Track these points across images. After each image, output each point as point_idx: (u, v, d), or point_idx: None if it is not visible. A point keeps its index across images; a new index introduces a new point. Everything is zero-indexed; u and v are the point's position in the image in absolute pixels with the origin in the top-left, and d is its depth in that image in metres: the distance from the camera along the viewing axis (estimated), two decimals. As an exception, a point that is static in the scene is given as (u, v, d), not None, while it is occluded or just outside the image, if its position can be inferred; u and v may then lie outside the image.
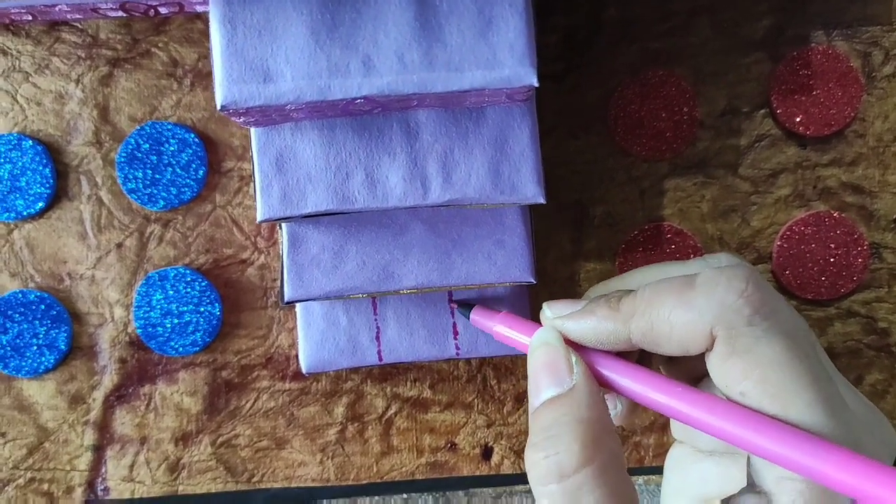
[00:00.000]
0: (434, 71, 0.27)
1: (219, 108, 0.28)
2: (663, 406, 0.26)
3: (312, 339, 0.37)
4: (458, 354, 0.37)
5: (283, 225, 0.34)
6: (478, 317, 0.34)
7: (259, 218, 0.31)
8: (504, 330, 0.31)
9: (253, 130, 0.31)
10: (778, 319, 0.25)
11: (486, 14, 0.28)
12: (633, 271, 0.31)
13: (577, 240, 0.40)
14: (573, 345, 0.28)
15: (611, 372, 0.28)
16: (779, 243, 0.39)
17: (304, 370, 0.38)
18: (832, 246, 0.39)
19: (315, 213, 0.31)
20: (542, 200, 0.31)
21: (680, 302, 0.26)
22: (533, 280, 0.34)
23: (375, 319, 0.37)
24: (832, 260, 0.39)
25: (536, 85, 0.28)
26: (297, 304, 0.37)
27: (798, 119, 0.39)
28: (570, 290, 0.40)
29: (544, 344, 0.28)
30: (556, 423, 0.26)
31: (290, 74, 0.27)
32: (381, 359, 0.37)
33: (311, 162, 0.31)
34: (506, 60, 0.28)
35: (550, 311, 0.29)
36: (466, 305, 0.35)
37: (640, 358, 0.30)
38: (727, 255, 0.29)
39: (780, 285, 0.40)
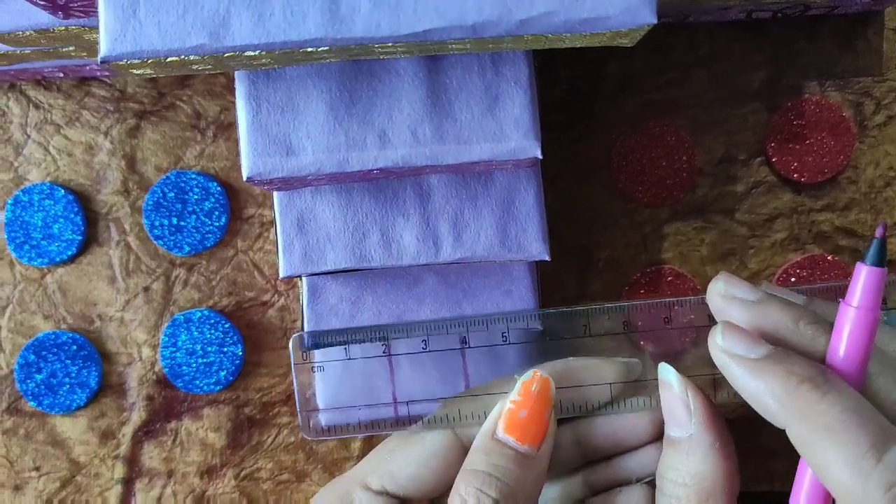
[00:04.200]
0: (445, 144, 0.29)
1: (244, 179, 0.30)
2: None
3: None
4: (468, 394, 0.39)
5: (304, 276, 0.36)
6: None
7: (281, 275, 0.33)
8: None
9: (275, 193, 0.33)
10: None
11: (492, 91, 0.30)
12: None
13: (582, 282, 0.42)
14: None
15: None
16: (775, 285, 0.41)
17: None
18: (826, 288, 0.41)
19: (334, 270, 0.33)
20: (546, 258, 0.33)
21: None
22: (539, 328, 0.36)
23: (389, 361, 0.39)
24: (826, 301, 0.41)
25: (540, 157, 0.30)
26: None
27: (793, 166, 0.41)
28: (575, 329, 0.42)
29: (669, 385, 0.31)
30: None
31: (310, 148, 0.29)
32: (395, 398, 0.39)
33: (330, 223, 0.33)
34: (511, 134, 0.30)
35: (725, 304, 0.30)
36: None
37: None
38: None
39: (776, 325, 0.41)
